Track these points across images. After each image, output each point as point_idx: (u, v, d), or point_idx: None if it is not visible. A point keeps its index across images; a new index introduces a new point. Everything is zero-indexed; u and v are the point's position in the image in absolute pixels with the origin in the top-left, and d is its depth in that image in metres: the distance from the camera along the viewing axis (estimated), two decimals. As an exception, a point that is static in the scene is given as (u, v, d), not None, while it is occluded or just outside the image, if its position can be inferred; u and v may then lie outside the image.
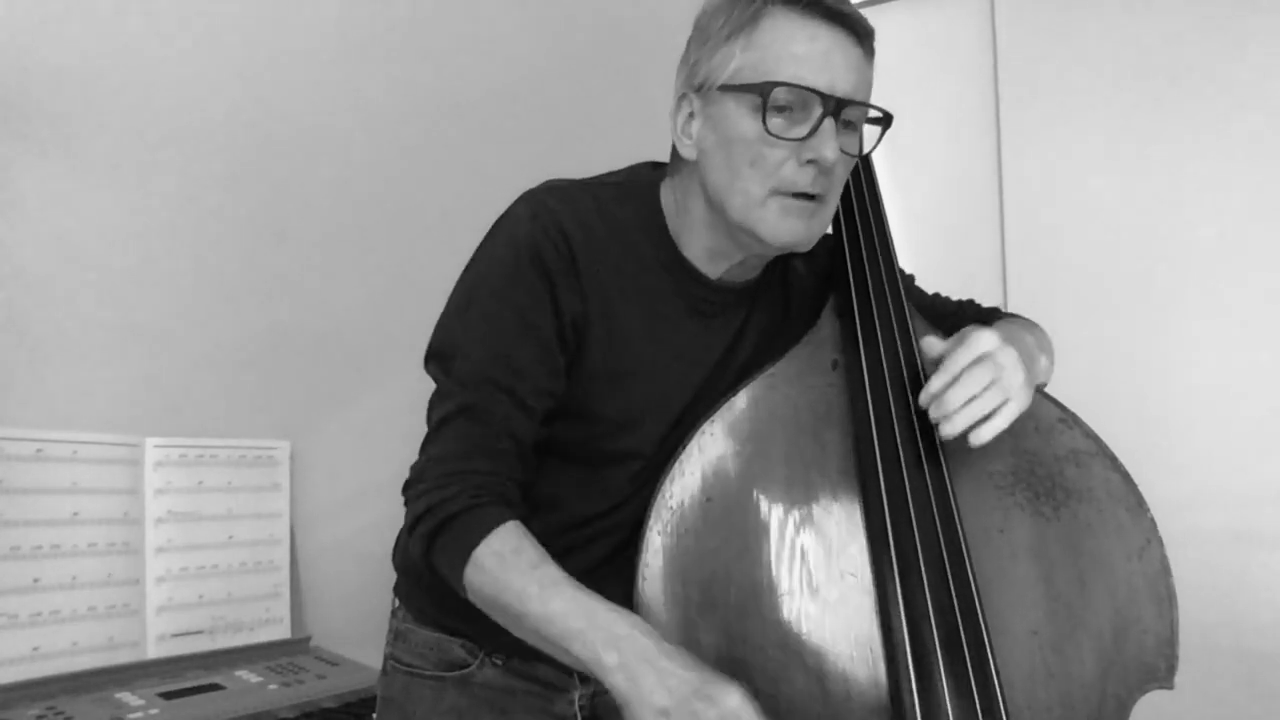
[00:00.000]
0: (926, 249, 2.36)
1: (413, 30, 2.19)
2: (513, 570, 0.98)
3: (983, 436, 1.02)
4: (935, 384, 1.03)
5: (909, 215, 2.41)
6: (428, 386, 1.18)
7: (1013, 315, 1.28)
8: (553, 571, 0.98)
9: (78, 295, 1.75)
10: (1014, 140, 2.34)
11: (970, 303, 1.35)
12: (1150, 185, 2.19)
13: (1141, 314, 2.17)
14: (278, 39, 1.98)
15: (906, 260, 1.38)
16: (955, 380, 1.02)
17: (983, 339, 1.03)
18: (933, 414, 1.03)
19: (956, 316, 1.30)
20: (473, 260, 1.13)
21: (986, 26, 2.37)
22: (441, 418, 1.09)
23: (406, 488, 1.08)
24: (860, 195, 1.24)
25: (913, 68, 2.42)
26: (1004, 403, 1.03)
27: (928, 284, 1.37)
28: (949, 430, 1.02)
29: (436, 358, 1.14)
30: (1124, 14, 2.22)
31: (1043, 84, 2.31)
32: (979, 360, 1.03)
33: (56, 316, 1.73)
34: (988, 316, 1.28)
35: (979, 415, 1.02)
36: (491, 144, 2.28)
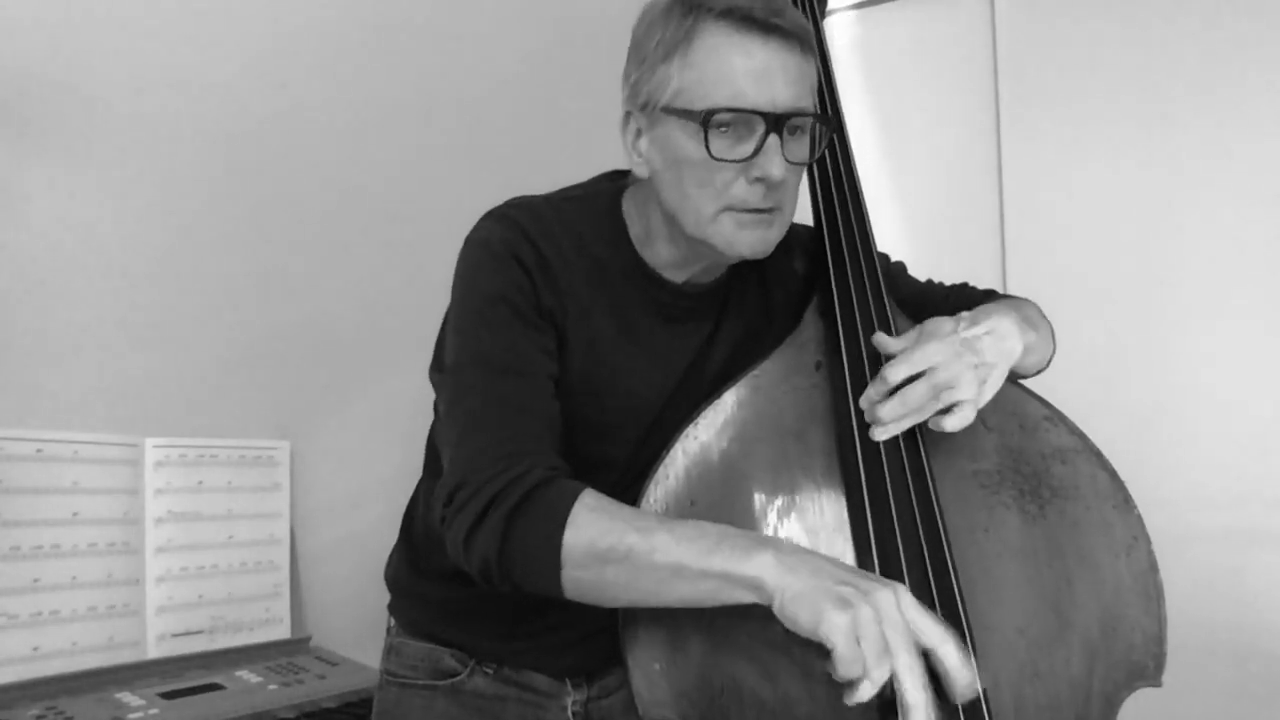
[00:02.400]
0: (926, 249, 2.35)
1: (414, 28, 2.19)
2: (622, 515, 0.95)
3: (945, 427, 1.03)
4: (872, 392, 1.05)
5: (909, 215, 2.41)
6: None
7: (1007, 297, 1.27)
8: (658, 514, 0.99)
9: (78, 295, 1.76)
10: (1014, 140, 2.33)
11: (963, 286, 1.34)
12: (1151, 185, 2.18)
13: (1141, 314, 2.17)
14: (278, 38, 1.99)
15: (905, 261, 1.38)
16: (892, 394, 1.03)
17: (928, 353, 1.03)
18: (867, 419, 1.04)
19: (947, 303, 1.29)
20: (455, 278, 1.14)
21: (986, 26, 2.37)
22: (469, 414, 1.05)
23: (454, 494, 1.00)
24: (841, 194, 1.24)
25: (913, 68, 2.42)
26: (956, 405, 1.03)
27: (927, 287, 1.37)
28: (875, 436, 1.04)
29: (444, 368, 1.12)
30: (1124, 14, 2.22)
31: (1043, 84, 2.30)
32: (923, 374, 1.03)
33: (57, 316, 1.74)
34: (979, 301, 1.26)
35: (906, 427, 1.03)
36: (492, 144, 2.29)
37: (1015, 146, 2.33)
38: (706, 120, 1.01)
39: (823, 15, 1.36)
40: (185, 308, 1.90)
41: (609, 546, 0.92)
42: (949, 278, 1.39)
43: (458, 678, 1.25)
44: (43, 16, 1.69)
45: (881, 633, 0.84)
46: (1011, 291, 2.28)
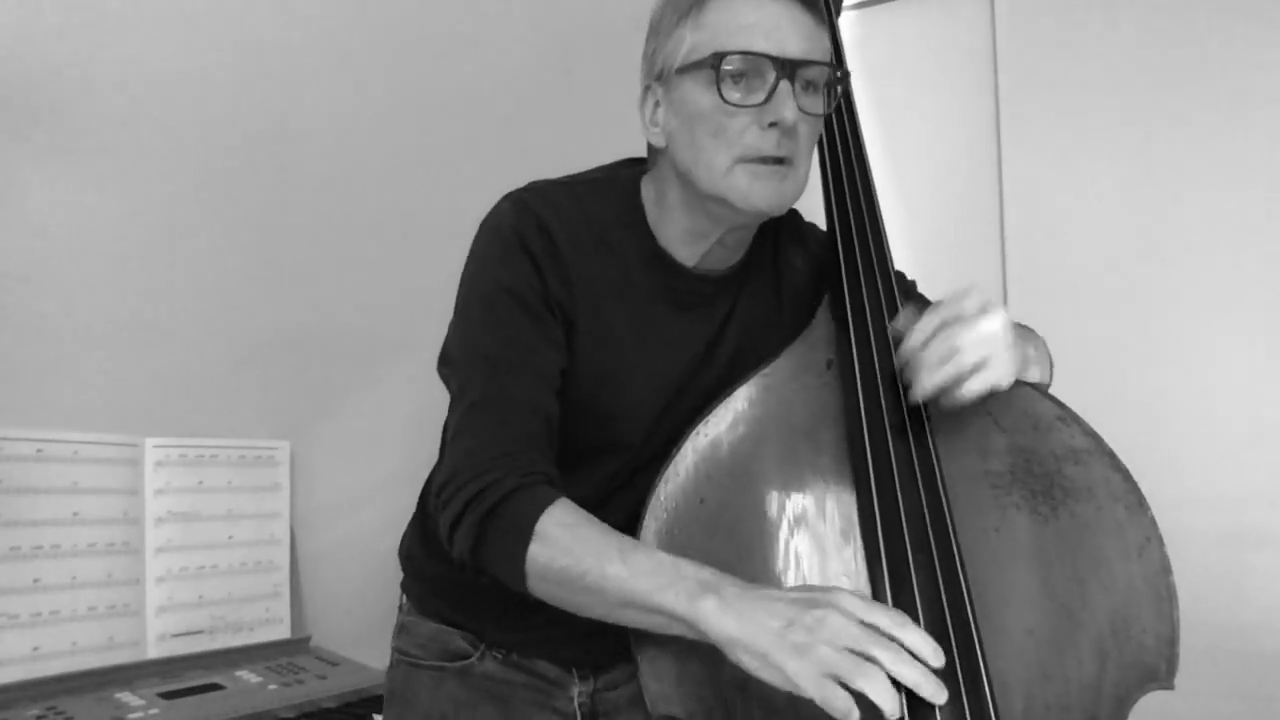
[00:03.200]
0: (926, 249, 2.36)
1: (413, 28, 2.19)
2: (585, 536, 0.97)
3: (972, 388, 1.03)
4: (912, 341, 1.05)
5: (909, 215, 2.41)
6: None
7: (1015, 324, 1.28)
8: (623, 537, 0.99)
9: (78, 295, 1.76)
10: (1014, 140, 2.33)
11: None
12: (1150, 185, 2.18)
13: (1141, 314, 2.17)
14: (278, 39, 1.98)
15: (906, 261, 1.38)
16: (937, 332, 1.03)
17: (964, 303, 1.05)
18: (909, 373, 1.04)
19: None
20: (466, 262, 1.15)
21: (986, 26, 2.37)
22: (466, 410, 1.07)
23: (442, 489, 1.05)
24: (854, 189, 1.24)
25: (913, 68, 2.42)
26: (983, 361, 1.03)
27: (926, 285, 1.37)
28: (915, 395, 1.04)
29: (449, 359, 1.14)
30: (1124, 13, 2.22)
31: (1043, 84, 2.30)
32: (964, 320, 1.03)
33: (57, 316, 1.73)
34: None
35: (944, 378, 1.03)
36: (492, 143, 2.28)
37: (1015, 146, 2.33)
38: (717, 64, 1.04)
39: (837, 12, 1.37)
40: (185, 308, 1.89)
41: (564, 567, 0.96)
42: (949, 278, 1.38)
43: (468, 660, 1.25)
44: (43, 17, 1.68)
45: (847, 651, 0.85)
46: (1011, 292, 2.32)
